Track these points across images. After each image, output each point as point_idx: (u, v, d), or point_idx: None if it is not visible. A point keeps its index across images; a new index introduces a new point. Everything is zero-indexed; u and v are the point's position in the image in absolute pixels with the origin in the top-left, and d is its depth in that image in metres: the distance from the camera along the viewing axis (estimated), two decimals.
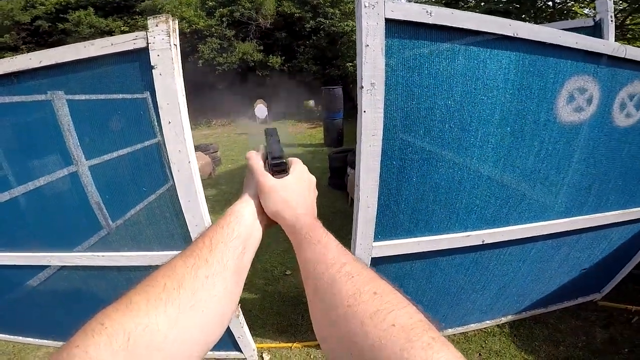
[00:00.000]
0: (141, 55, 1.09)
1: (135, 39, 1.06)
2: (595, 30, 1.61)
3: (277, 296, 2.49)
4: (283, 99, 12.12)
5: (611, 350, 1.87)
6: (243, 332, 1.78)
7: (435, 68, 1.09)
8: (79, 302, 1.77)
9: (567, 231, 1.65)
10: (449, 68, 1.10)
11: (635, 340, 1.91)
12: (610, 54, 1.21)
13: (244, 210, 0.41)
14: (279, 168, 0.45)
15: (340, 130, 7.56)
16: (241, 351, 1.92)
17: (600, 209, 1.63)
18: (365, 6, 0.90)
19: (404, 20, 0.95)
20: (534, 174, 1.45)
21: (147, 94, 1.23)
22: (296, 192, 0.44)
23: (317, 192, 0.49)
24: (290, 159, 0.49)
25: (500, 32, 1.03)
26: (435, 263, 1.56)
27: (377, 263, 1.40)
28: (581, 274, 2.03)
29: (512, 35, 1.04)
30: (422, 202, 1.33)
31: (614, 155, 1.51)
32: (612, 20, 1.51)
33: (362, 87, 1.02)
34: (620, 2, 4.00)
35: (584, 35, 1.15)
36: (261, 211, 0.43)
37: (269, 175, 0.44)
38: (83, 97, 1.28)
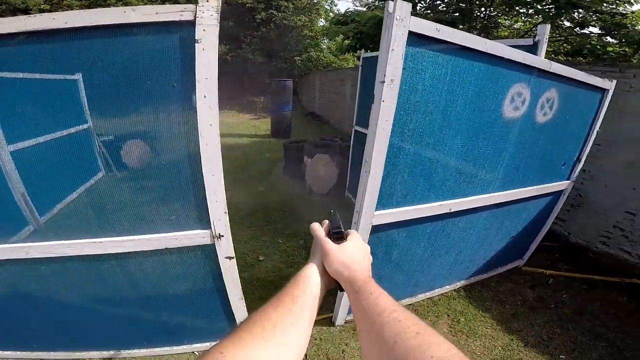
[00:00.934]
0: (184, 29, 1.24)
1: (183, 11, 1.20)
2: (533, 48, 2.39)
3: (256, 282, 2.74)
4: (224, 89, 12.00)
5: (542, 306, 2.70)
6: (244, 317, 2.05)
7: (432, 71, 1.56)
8: (53, 304, 1.75)
9: (503, 202, 2.36)
10: (441, 72, 1.58)
11: (556, 297, 2.80)
12: (542, 67, 1.89)
13: (312, 274, 0.58)
14: (338, 236, 0.64)
15: (289, 122, 8.15)
16: None
17: (524, 184, 2.40)
18: (396, 19, 1.29)
19: (420, 33, 1.39)
20: (485, 156, 2.08)
21: (78, 76, 1.33)
22: (353, 255, 0.59)
23: (371, 258, 0.64)
24: (348, 230, 0.66)
25: (479, 48, 1.56)
26: (415, 231, 2.08)
27: (377, 231, 1.83)
28: (510, 242, 2.86)
29: (485, 51, 1.62)
30: (412, 176, 1.84)
31: (533, 144, 2.26)
32: (546, 42, 2.32)
33: (383, 81, 1.43)
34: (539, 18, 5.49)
35: (527, 53, 1.79)
36: (322, 274, 0.59)
37: (331, 242, 0.62)
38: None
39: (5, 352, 1.98)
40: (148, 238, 1.55)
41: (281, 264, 3.11)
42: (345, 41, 7.93)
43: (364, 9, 6.53)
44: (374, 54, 4.15)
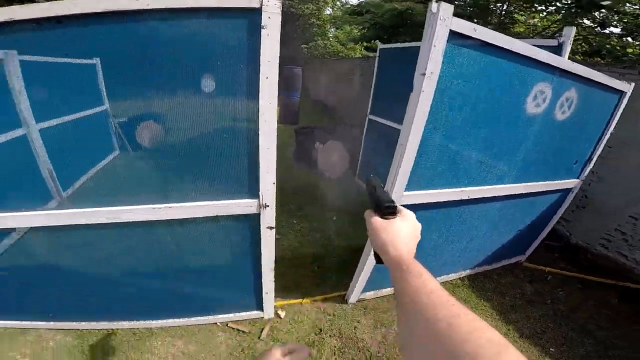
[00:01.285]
0: (250, 15, 1.42)
1: None
2: (557, 49, 2.60)
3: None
4: None
5: (539, 300, 2.94)
6: (271, 288, 2.24)
7: (466, 66, 1.78)
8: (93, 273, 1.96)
9: (516, 194, 2.58)
10: (474, 68, 1.79)
11: (553, 293, 3.05)
12: (565, 68, 2.09)
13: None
14: (389, 210, 0.62)
15: (297, 108, 8.48)
16: (262, 310, 2.40)
17: (537, 179, 2.62)
18: (440, 19, 1.50)
19: (458, 32, 1.60)
20: (505, 149, 2.30)
21: (97, 60, 1.50)
22: (401, 233, 0.60)
23: (419, 237, 0.64)
24: (400, 206, 0.66)
25: (509, 47, 1.77)
26: (436, 214, 2.31)
27: None
28: (516, 236, 3.08)
29: (514, 50, 1.83)
30: (439, 161, 2.06)
31: (550, 140, 2.46)
32: (570, 44, 2.53)
33: (423, 74, 1.64)
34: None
35: (551, 53, 1.98)
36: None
37: (378, 217, 0.62)
38: None
39: (49, 323, 2.20)
40: (201, 205, 1.76)
41: (296, 242, 3.38)
42: (360, 31, 8.08)
43: (380, 0, 6.68)
44: (392, 45, 4.33)
